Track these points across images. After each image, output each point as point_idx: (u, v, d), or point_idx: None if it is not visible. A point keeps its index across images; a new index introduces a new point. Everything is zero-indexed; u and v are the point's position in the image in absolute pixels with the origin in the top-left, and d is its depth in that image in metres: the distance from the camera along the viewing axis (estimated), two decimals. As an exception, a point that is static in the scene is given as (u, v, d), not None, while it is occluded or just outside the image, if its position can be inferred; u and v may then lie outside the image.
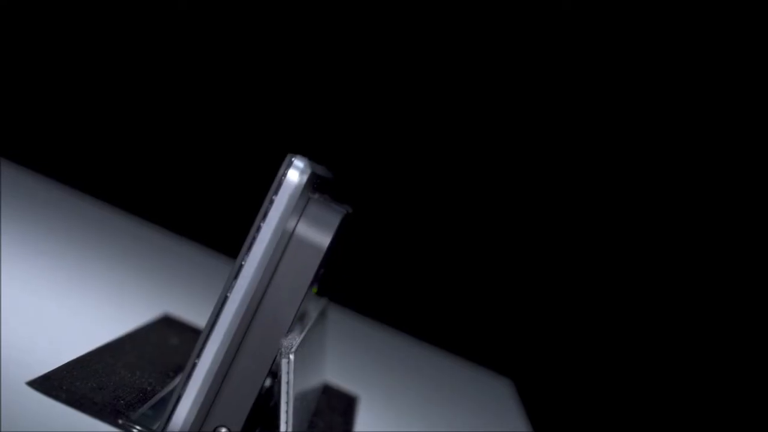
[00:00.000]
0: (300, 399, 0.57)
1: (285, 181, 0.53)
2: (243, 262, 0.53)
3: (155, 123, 1.44)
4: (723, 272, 1.42)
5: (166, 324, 0.83)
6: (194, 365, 0.53)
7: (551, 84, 1.43)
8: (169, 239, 1.30)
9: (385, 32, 1.42)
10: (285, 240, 0.54)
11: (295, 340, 0.55)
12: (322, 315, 0.77)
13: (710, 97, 1.41)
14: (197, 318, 0.86)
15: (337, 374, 0.90)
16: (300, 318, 0.58)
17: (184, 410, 0.53)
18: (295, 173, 0.53)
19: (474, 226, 1.46)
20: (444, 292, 1.46)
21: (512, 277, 1.46)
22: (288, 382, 0.52)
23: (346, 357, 1.05)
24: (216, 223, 1.43)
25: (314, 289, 0.58)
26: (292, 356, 0.52)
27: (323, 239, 0.55)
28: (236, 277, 0.53)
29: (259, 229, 0.53)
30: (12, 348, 0.63)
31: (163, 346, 0.76)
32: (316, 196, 0.56)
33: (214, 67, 1.44)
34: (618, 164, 1.43)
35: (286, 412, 0.52)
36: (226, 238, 1.31)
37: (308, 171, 0.54)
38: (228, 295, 0.53)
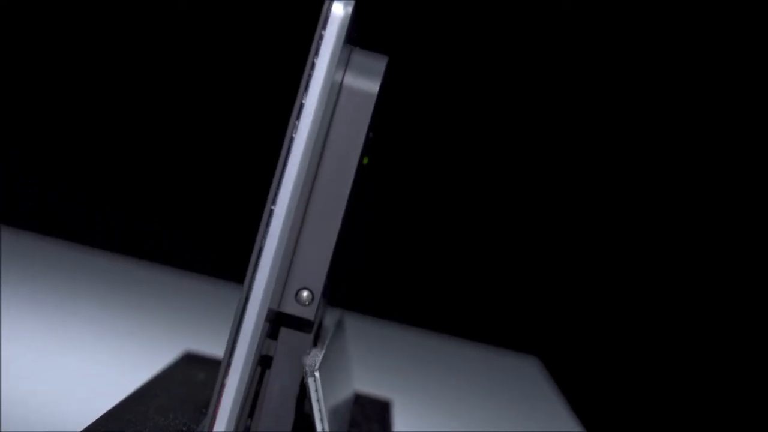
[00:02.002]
0: (333, 413, 0.57)
1: (331, 14, 0.52)
2: (303, 101, 0.52)
3: (139, 161, 1.45)
4: (749, 246, 1.42)
5: (189, 361, 0.83)
6: (271, 212, 0.52)
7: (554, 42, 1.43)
8: (168, 275, 1.30)
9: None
10: (336, 88, 0.53)
11: (317, 357, 0.55)
12: (340, 326, 0.77)
13: (709, 95, 1.42)
14: (218, 350, 0.86)
15: (365, 381, 0.90)
16: (317, 335, 0.58)
17: (264, 273, 0.52)
18: (339, 6, 0.52)
19: (475, 209, 1.46)
20: (447, 280, 1.46)
21: (515, 254, 1.46)
22: (318, 400, 0.52)
23: (369, 362, 1.05)
24: (211, 252, 1.43)
25: (365, 159, 0.57)
26: (317, 374, 0.52)
27: (373, 86, 0.54)
28: (298, 117, 0.52)
29: (313, 66, 0.52)
30: (42, 411, 0.64)
31: (190, 384, 0.76)
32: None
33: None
34: (634, 145, 1.43)
35: (323, 430, 0.52)
36: (226, 265, 1.31)
37: (352, 2, 0.53)
38: (293, 135, 0.52)
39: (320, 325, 0.60)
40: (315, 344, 0.58)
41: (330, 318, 0.70)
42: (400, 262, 1.46)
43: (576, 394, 1.16)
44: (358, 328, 1.20)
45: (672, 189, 1.43)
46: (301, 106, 0.52)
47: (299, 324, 0.54)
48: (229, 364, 0.52)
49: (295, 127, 0.52)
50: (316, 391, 0.52)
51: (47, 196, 1.43)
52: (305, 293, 0.53)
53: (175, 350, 0.86)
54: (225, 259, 1.38)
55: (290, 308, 0.53)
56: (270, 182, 0.53)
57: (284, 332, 0.55)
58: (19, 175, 1.42)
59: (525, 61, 1.44)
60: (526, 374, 1.25)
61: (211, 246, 1.44)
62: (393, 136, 1.43)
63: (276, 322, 0.54)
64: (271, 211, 0.52)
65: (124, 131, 1.44)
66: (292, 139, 0.52)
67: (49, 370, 0.78)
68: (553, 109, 1.44)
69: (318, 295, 0.53)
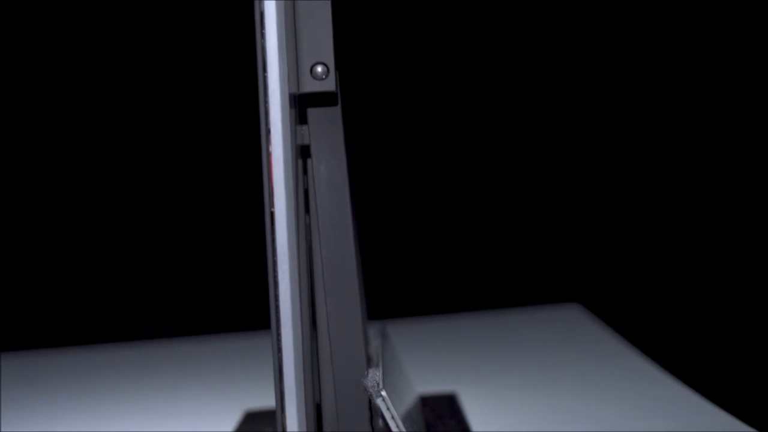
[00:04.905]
0: (409, 422, 0.57)
1: None
2: None
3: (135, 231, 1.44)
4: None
5: (252, 419, 0.83)
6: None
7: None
8: (192, 344, 1.30)
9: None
10: None
11: (376, 376, 0.55)
12: (385, 337, 0.77)
13: (709, 89, 1.42)
14: (273, 401, 0.86)
15: (424, 381, 0.90)
16: (367, 353, 0.58)
17: (273, 45, 0.50)
18: None
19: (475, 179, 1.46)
20: (461, 259, 1.45)
21: (529, 211, 1.46)
22: (393, 417, 0.51)
23: (420, 361, 1.04)
24: (217, 310, 1.41)
25: None
26: (383, 393, 0.52)
27: None
28: None
29: None
30: None
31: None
32: None
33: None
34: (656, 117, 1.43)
35: (405, 444, 0.52)
36: (238, 318, 1.30)
37: None
38: None
39: (367, 342, 0.60)
40: (369, 364, 0.58)
41: (373, 335, 0.69)
42: (408, 259, 1.45)
43: (625, 329, 1.15)
44: (398, 332, 1.20)
45: (709, 132, 1.42)
46: None
47: (323, 99, 0.55)
48: (270, 163, 0.50)
49: None
50: (388, 409, 0.52)
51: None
52: (320, 68, 0.54)
53: (236, 412, 0.86)
54: (234, 312, 1.37)
55: (310, 86, 0.54)
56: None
57: (312, 112, 0.55)
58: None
59: (524, 54, 1.44)
60: (575, 322, 1.24)
61: (214, 305, 1.42)
62: (395, 127, 1.42)
63: (301, 106, 0.54)
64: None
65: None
66: None
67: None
68: (564, 77, 1.44)
69: (332, 66, 0.54)
